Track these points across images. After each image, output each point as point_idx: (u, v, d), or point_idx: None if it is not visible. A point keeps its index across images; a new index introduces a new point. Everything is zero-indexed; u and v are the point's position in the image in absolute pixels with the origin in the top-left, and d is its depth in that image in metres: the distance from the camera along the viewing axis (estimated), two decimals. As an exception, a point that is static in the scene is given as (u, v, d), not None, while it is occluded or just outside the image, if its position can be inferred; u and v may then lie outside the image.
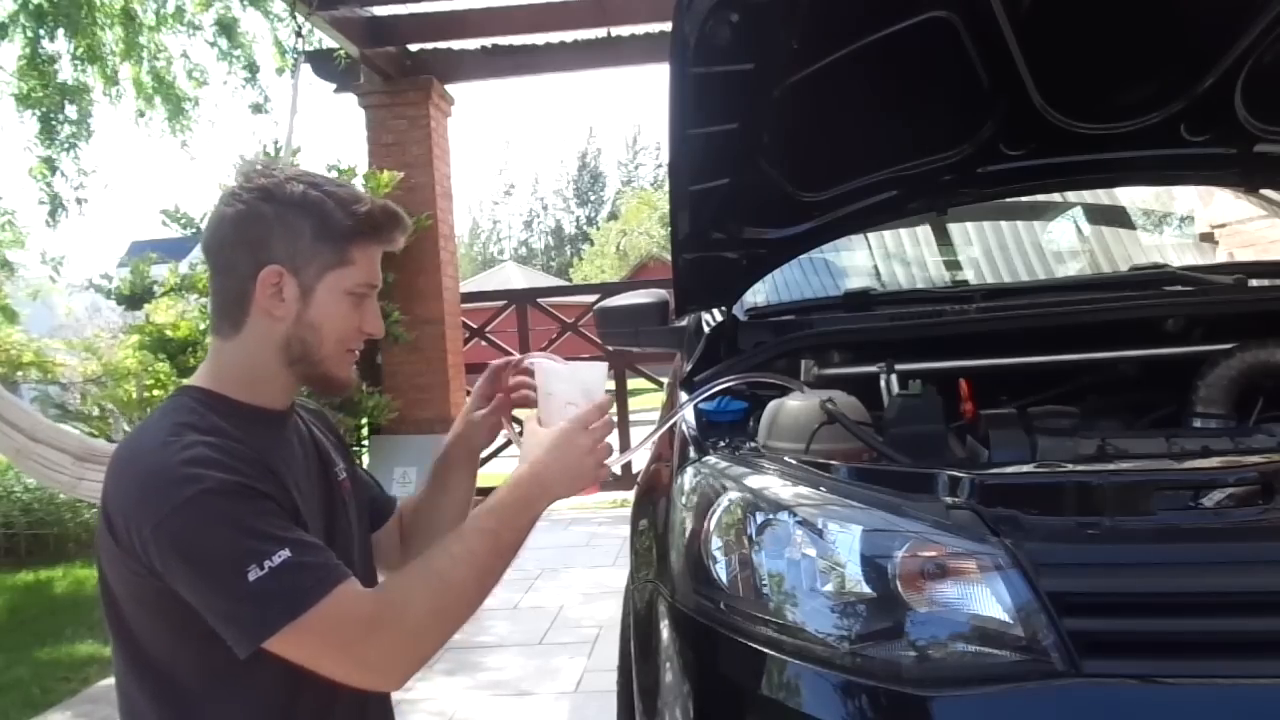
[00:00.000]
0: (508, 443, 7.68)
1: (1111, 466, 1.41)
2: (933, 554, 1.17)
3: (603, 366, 1.29)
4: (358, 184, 6.39)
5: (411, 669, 1.11)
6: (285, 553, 1.02)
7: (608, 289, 7.11)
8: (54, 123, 6.12)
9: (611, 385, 1.43)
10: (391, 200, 1.28)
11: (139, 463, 1.09)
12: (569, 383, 1.25)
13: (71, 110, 6.21)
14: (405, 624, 1.08)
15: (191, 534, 1.02)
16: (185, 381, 1.21)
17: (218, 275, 1.19)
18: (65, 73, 6.20)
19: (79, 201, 6.43)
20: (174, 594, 1.04)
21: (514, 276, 28.28)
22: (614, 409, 1.28)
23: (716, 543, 1.36)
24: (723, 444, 1.62)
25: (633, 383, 7.95)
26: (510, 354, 7.04)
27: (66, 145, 6.22)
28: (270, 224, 1.14)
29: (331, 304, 1.18)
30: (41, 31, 5.91)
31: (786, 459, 1.46)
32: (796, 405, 1.59)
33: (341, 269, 1.17)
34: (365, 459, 6.27)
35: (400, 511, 1.46)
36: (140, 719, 1.13)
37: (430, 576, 1.12)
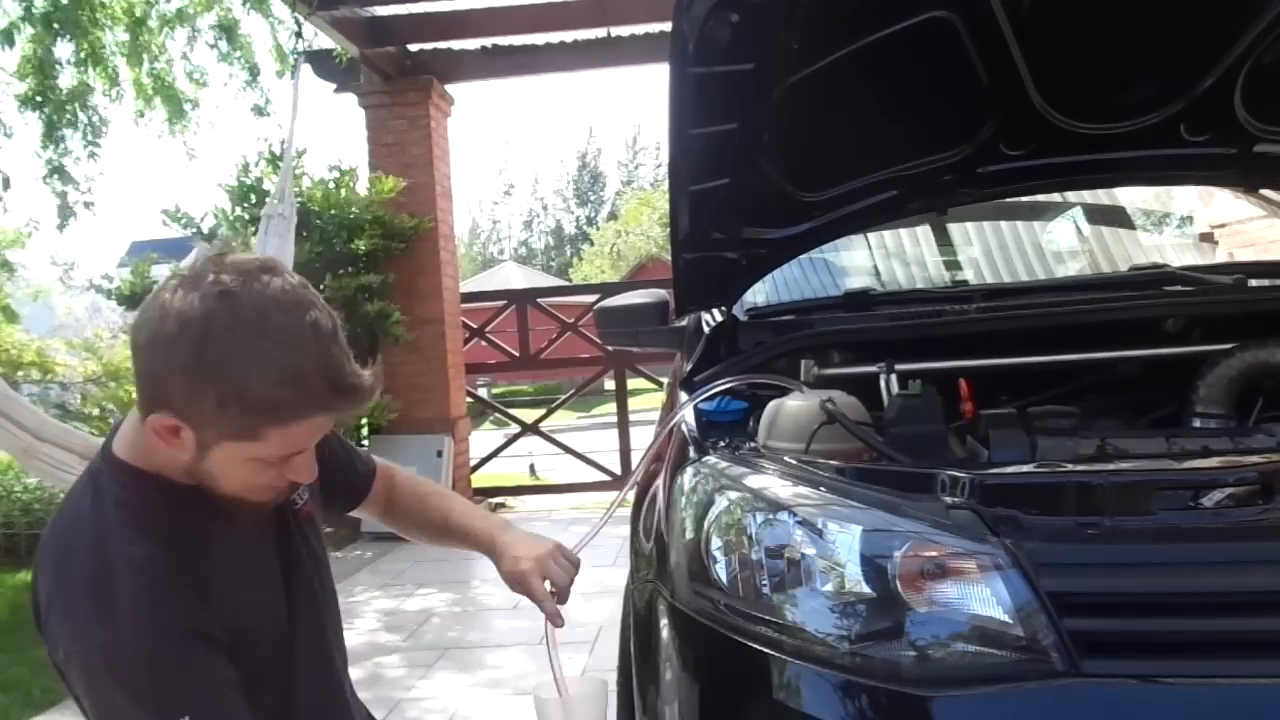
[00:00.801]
0: (507, 443, 7.70)
1: (1111, 466, 1.41)
2: (933, 554, 1.17)
3: (600, 697, 1.22)
4: (360, 189, 6.39)
5: None
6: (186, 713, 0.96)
7: (608, 289, 7.12)
8: (59, 127, 6.12)
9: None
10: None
11: (64, 571, 1.03)
12: None
13: (82, 116, 6.21)
14: None
15: (97, 681, 0.98)
16: (112, 450, 1.07)
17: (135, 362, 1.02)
18: (67, 74, 6.20)
19: (87, 205, 6.43)
20: None
21: (514, 276, 28.28)
22: None
23: (716, 543, 1.36)
24: (723, 444, 1.62)
25: (633, 383, 7.96)
26: (512, 354, 6.95)
27: (84, 151, 6.23)
28: (174, 372, 0.95)
29: (233, 467, 1.01)
30: (47, 36, 5.90)
31: (786, 459, 1.46)
32: (796, 405, 1.59)
33: (247, 442, 0.98)
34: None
35: (387, 491, 1.39)
36: None
37: None
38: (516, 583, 1.29)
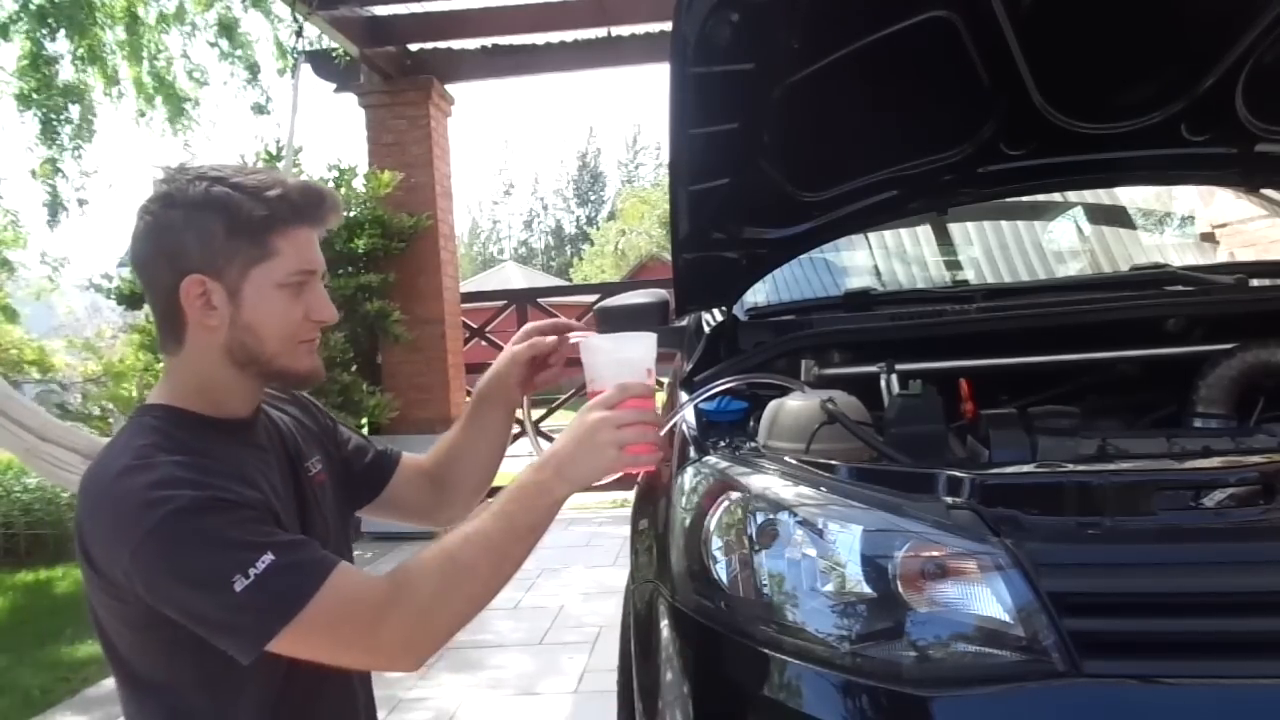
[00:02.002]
0: (510, 440, 7.69)
1: (1112, 466, 1.41)
2: (933, 554, 1.17)
3: (646, 339, 1.18)
4: (358, 185, 6.40)
5: (425, 649, 1.09)
6: (269, 556, 1.00)
7: (608, 289, 7.11)
8: (55, 123, 6.12)
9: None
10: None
11: (107, 491, 1.06)
12: (611, 363, 1.17)
13: (74, 111, 6.21)
14: (415, 603, 1.06)
15: (170, 555, 1.01)
16: (151, 399, 1.17)
17: (148, 292, 1.15)
18: (66, 73, 6.20)
19: (80, 202, 6.43)
20: (162, 615, 1.03)
21: (514, 276, 28.29)
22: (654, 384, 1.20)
23: (716, 543, 1.36)
24: (723, 444, 1.62)
25: (633, 383, 7.94)
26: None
27: (72, 147, 6.22)
28: (179, 231, 1.08)
29: (264, 301, 1.11)
30: (43, 32, 5.90)
31: (786, 459, 1.46)
32: (796, 405, 1.59)
33: (266, 262, 1.10)
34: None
35: (426, 460, 1.44)
36: None
37: (442, 557, 1.09)
38: (524, 375, 1.41)
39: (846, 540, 1.22)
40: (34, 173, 6.13)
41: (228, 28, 6.54)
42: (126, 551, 1.01)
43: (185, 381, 1.15)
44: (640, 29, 6.37)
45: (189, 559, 1.01)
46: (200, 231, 1.08)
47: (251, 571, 0.99)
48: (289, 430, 1.28)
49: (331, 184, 6.34)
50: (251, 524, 1.04)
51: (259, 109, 6.59)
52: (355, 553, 1.36)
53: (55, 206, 6.31)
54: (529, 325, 1.44)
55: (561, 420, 9.37)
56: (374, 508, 1.42)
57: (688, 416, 1.75)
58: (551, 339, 1.41)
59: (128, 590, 1.03)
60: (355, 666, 1.10)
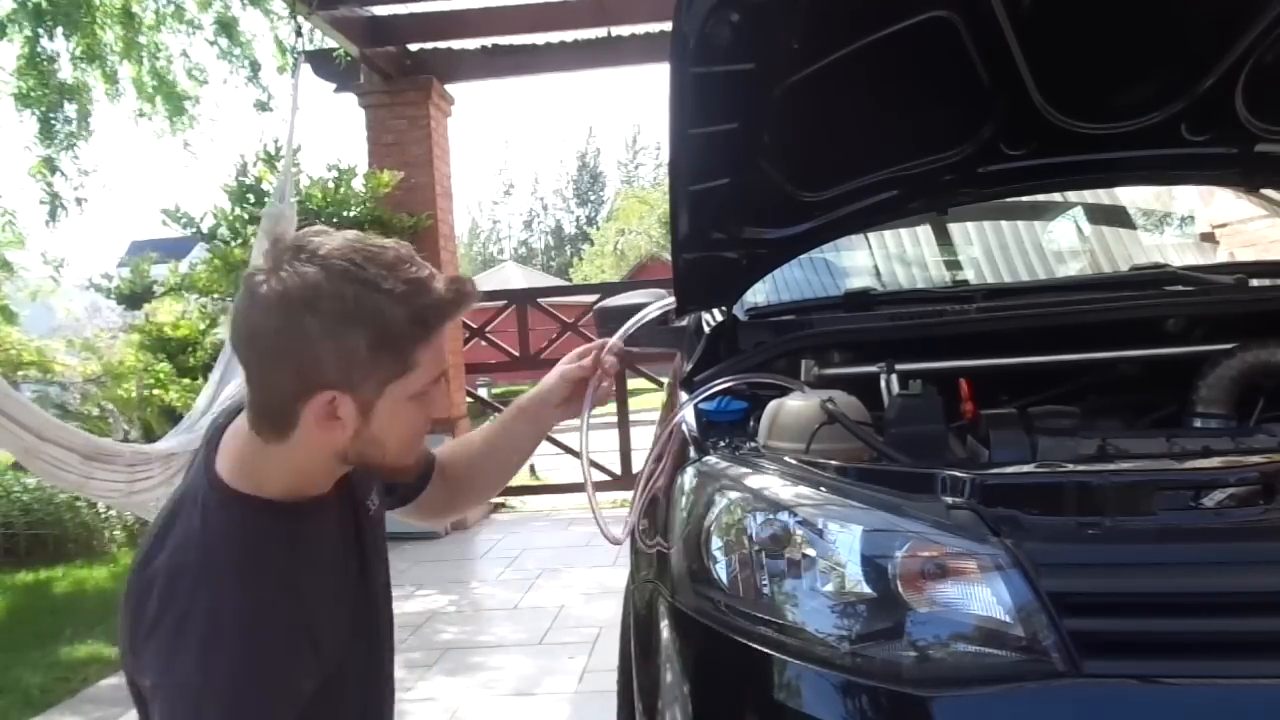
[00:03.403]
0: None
1: (1112, 466, 1.41)
2: (933, 554, 1.17)
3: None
4: (357, 185, 6.39)
5: None
6: None
7: (608, 289, 7.11)
8: (53, 122, 6.12)
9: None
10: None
11: (172, 605, 1.00)
12: None
13: (71, 109, 6.21)
14: None
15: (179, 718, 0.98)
16: (216, 472, 1.07)
17: (253, 379, 1.03)
18: (65, 72, 6.20)
19: (79, 202, 6.42)
20: None
21: (514, 276, 28.29)
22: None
23: (716, 543, 1.36)
24: (723, 444, 1.62)
25: (633, 383, 7.95)
26: (512, 354, 6.93)
27: (66, 144, 6.21)
28: (316, 340, 0.96)
29: (396, 415, 1.04)
30: (40, 31, 5.90)
31: (786, 459, 1.46)
32: (796, 405, 1.59)
33: (405, 376, 1.02)
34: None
35: (444, 459, 1.40)
36: None
37: None
38: (569, 395, 1.41)
39: (846, 540, 1.22)
40: (39, 172, 6.13)
41: (227, 26, 6.54)
42: (151, 680, 1.00)
43: (277, 471, 1.06)
44: (640, 29, 6.36)
45: None
46: (340, 346, 0.97)
47: None
48: (349, 481, 1.21)
49: (331, 184, 6.34)
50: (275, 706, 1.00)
51: (261, 106, 6.58)
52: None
53: (54, 206, 6.30)
54: (582, 348, 1.46)
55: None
56: (402, 514, 1.40)
57: (688, 416, 1.75)
58: (589, 361, 1.43)
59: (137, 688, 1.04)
60: None
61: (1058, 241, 3.08)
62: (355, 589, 1.17)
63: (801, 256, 2.27)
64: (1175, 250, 3.01)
